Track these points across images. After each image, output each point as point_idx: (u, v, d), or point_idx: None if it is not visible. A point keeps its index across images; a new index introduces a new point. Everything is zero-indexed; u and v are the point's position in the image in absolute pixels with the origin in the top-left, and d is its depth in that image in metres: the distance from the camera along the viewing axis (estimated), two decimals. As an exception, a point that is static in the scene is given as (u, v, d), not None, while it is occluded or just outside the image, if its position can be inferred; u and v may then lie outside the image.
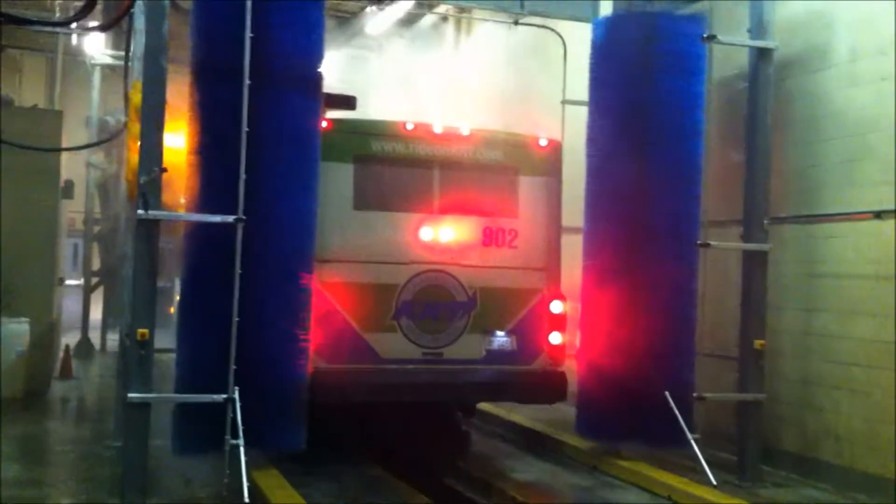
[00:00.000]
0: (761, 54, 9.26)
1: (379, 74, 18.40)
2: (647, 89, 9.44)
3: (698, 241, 9.20)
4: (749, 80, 9.39)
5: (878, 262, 8.51)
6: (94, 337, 18.40)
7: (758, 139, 9.22)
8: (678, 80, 9.44)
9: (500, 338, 9.47)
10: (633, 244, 9.42)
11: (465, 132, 9.56)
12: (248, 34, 7.65)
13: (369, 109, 9.13)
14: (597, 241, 9.80)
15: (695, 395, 9.09)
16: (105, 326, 19.22)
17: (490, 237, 9.53)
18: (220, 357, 7.58)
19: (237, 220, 7.58)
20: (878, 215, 8.31)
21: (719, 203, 9.60)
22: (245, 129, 7.60)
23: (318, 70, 8.30)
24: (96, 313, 18.99)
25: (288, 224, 8.00)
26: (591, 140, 9.94)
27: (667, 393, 9.16)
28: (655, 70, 9.44)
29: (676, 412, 8.93)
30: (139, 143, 7.53)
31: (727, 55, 9.83)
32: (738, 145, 9.67)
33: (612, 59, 9.80)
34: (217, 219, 7.62)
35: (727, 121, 10.18)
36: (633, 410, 9.18)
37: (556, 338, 9.47)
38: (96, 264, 19.84)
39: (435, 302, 9.21)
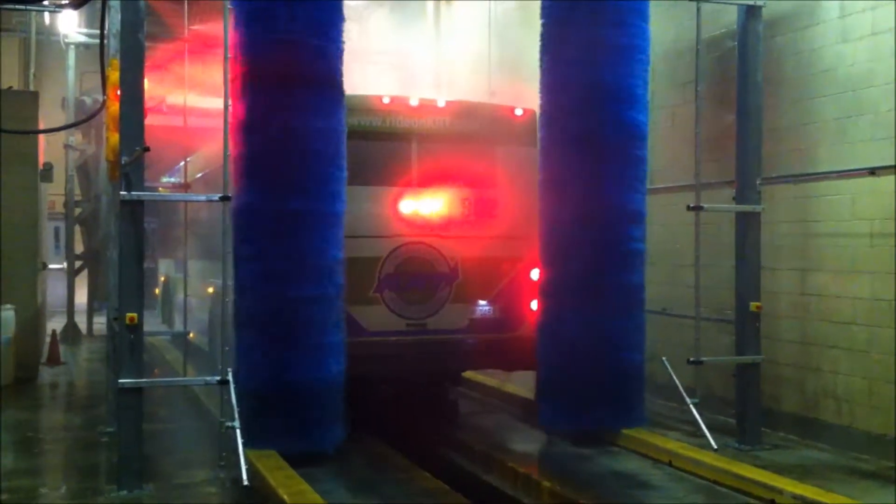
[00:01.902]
0: (749, 11, 9.12)
1: (360, 46, 18.13)
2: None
3: (690, 205, 9.11)
4: (738, 39, 9.25)
5: (875, 220, 8.44)
6: (80, 321, 18.21)
7: (749, 98, 9.10)
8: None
9: (483, 307, 9.65)
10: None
11: (442, 104, 9.67)
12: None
13: (355, 81, 9.01)
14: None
15: (691, 358, 9.04)
16: (91, 310, 19.05)
17: (469, 208, 9.69)
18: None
19: (223, 198, 7.53)
20: (873, 172, 8.23)
21: (711, 165, 9.51)
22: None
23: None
24: (81, 297, 18.79)
25: None
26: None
27: (664, 359, 9.19)
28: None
29: (676, 380, 8.89)
30: (119, 122, 7.34)
31: (716, 14, 9.70)
32: (728, 106, 9.56)
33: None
34: (203, 198, 7.50)
35: (717, 81, 10.07)
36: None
37: (537, 305, 9.42)
38: (79, 247, 19.61)
39: (417, 273, 9.36)
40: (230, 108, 7.75)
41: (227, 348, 7.79)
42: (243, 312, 8.11)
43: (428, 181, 9.46)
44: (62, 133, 16.80)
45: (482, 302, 9.67)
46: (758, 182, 9.05)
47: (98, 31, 9.01)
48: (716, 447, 8.33)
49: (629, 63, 9.00)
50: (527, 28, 13.15)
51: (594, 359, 8.95)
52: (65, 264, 18.29)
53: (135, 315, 7.24)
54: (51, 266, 16.87)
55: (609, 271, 9.03)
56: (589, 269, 8.98)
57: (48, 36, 18.56)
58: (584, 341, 8.94)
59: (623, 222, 9.11)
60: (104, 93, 8.22)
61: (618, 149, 9.03)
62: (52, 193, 18.68)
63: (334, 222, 8.27)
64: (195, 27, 11.17)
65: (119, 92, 7.41)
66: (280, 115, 8.01)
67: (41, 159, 14.34)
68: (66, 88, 17.30)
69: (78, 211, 18.94)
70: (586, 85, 8.95)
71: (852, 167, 8.57)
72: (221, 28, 7.66)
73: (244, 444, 7.29)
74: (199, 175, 12.64)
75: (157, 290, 17.55)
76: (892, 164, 8.03)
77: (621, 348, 9.08)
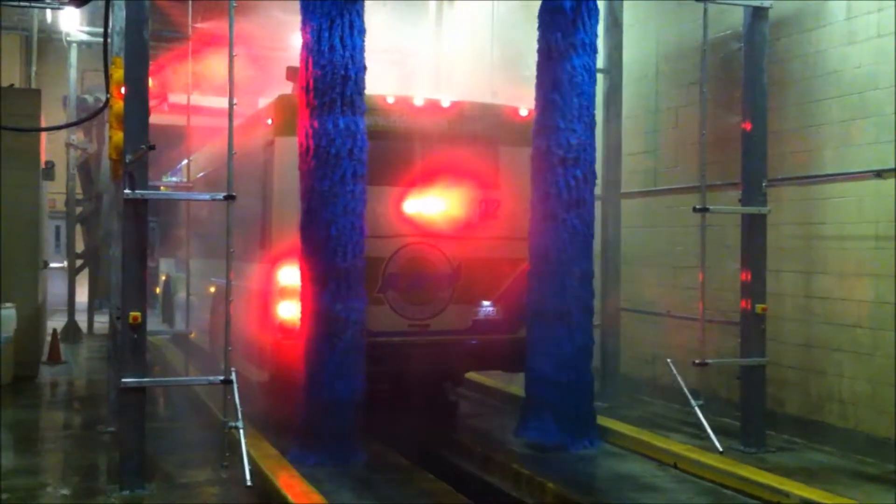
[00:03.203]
0: (756, 13, 9.07)
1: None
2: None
3: (696, 206, 9.07)
4: (744, 40, 9.21)
5: (880, 222, 8.41)
6: (81, 320, 18.17)
7: (754, 100, 9.06)
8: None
9: (486, 308, 9.63)
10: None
11: (446, 104, 9.60)
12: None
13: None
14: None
15: (696, 360, 9.00)
16: (91, 309, 19.01)
17: (473, 208, 9.65)
18: None
19: (227, 198, 7.50)
20: (879, 174, 8.22)
21: (714, 166, 9.48)
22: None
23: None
24: (82, 296, 18.75)
25: None
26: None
27: (669, 361, 9.17)
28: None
29: (681, 382, 8.87)
30: (124, 120, 7.31)
31: (721, 15, 9.68)
32: (732, 107, 9.53)
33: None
34: (207, 197, 7.45)
35: (721, 83, 10.04)
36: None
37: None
38: (80, 246, 19.56)
39: (420, 274, 9.26)
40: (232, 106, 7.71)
41: (230, 348, 7.75)
42: None
43: (432, 181, 9.42)
44: (64, 131, 16.79)
45: (485, 303, 9.64)
46: (763, 184, 9.01)
47: (101, 30, 8.99)
48: (721, 450, 8.29)
49: None
50: (529, 27, 13.14)
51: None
52: (65, 263, 18.26)
53: (138, 314, 7.20)
54: (52, 265, 16.82)
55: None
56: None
57: (50, 34, 18.51)
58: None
59: None
60: (108, 91, 8.18)
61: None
62: (53, 192, 18.65)
63: None
64: (199, 25, 11.15)
65: (123, 90, 7.37)
66: None
67: (43, 157, 14.31)
68: (67, 87, 17.25)
69: (79, 209, 18.91)
70: None
71: (857, 170, 8.55)
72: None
73: None
74: (201, 175, 12.61)
75: (157, 289, 17.52)
76: (894, 166, 8.00)
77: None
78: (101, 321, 17.67)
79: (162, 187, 13.92)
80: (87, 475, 7.91)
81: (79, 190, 19.00)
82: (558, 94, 8.99)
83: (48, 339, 14.86)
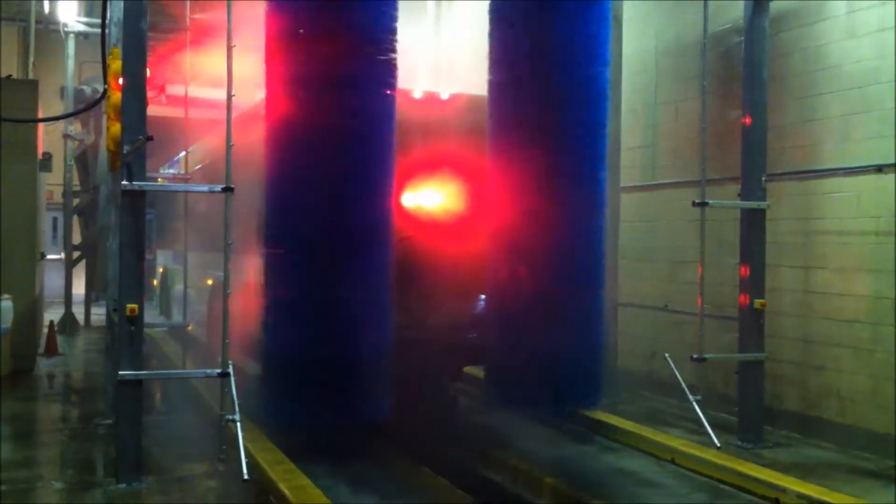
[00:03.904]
0: (756, 7, 9.04)
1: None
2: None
3: (695, 201, 9.04)
4: (745, 34, 9.18)
5: (880, 217, 8.40)
6: (78, 312, 18.14)
7: (754, 94, 9.04)
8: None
9: (485, 302, 9.42)
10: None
11: (445, 97, 9.51)
12: None
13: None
14: None
15: (695, 355, 8.98)
16: (89, 301, 18.96)
17: (472, 201, 9.43)
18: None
19: (225, 190, 7.45)
20: (881, 169, 8.20)
21: (713, 161, 9.44)
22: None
23: None
24: (79, 288, 18.71)
25: None
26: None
27: (667, 356, 9.14)
28: None
29: (679, 377, 8.84)
30: (121, 111, 7.27)
31: (721, 9, 9.65)
32: (732, 102, 9.50)
33: None
34: (205, 188, 7.42)
35: (721, 77, 10.01)
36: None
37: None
38: (77, 238, 19.51)
39: (419, 268, 9.17)
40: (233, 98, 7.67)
41: (227, 341, 7.72)
42: None
43: (431, 175, 9.36)
44: (61, 123, 16.72)
45: (484, 297, 9.59)
46: (763, 178, 8.99)
47: (99, 21, 8.94)
48: (718, 445, 8.26)
49: None
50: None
51: None
52: (63, 255, 18.22)
53: (135, 306, 7.17)
54: (49, 256, 16.78)
55: None
56: None
57: (47, 25, 18.45)
58: None
59: None
60: (105, 82, 8.13)
61: None
62: (51, 183, 18.57)
63: None
64: (197, 16, 11.09)
65: (121, 81, 7.33)
66: None
67: (40, 149, 14.25)
68: (65, 78, 17.19)
69: (76, 201, 18.86)
70: None
71: (858, 164, 8.53)
72: None
73: None
74: (198, 167, 12.57)
75: (155, 282, 17.48)
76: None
77: None
78: (98, 313, 17.64)
79: (160, 179, 13.88)
80: (83, 468, 7.88)
81: (76, 181, 18.93)
82: None
83: (45, 331, 14.83)
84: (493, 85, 8.33)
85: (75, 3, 16.86)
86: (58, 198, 19.51)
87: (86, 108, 13.17)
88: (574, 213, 8.21)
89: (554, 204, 8.12)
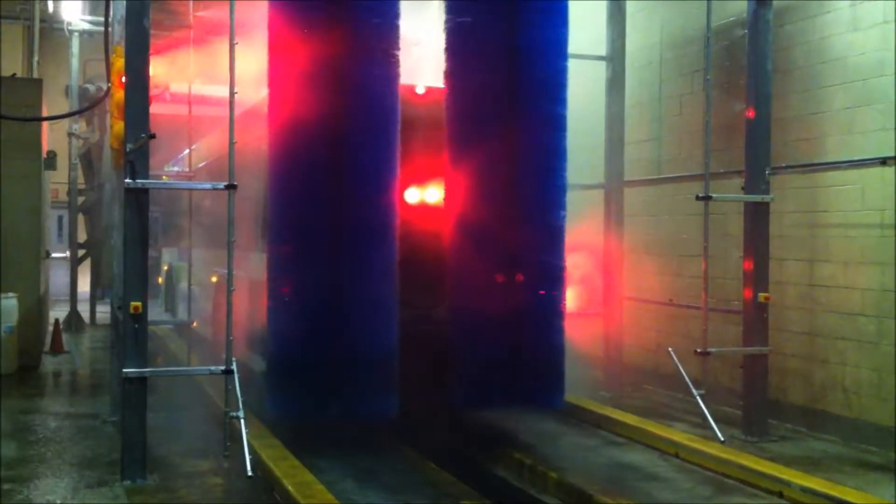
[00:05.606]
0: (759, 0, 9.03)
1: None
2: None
3: (699, 195, 9.03)
4: (748, 27, 9.17)
5: (885, 210, 8.38)
6: (83, 309, 18.18)
7: (758, 87, 9.02)
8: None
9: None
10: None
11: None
12: None
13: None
14: None
15: (699, 349, 8.98)
16: (94, 299, 19.00)
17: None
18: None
19: (228, 187, 7.43)
20: (885, 162, 8.16)
21: (717, 154, 9.44)
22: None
23: None
24: (84, 286, 18.75)
25: None
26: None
27: (671, 350, 9.14)
28: None
29: (682, 371, 8.84)
30: (125, 109, 7.28)
31: (725, 2, 9.63)
32: (736, 95, 9.49)
33: None
34: (208, 186, 7.42)
35: (725, 70, 9.99)
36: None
37: None
38: (82, 236, 19.55)
39: (420, 262, 9.15)
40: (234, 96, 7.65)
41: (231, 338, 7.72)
42: None
43: (434, 169, 9.32)
44: (65, 121, 16.74)
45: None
46: (767, 172, 8.97)
47: (102, 19, 8.96)
48: (722, 439, 8.27)
49: None
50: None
51: None
52: (68, 253, 18.25)
53: (139, 304, 7.18)
54: (54, 255, 16.82)
55: None
56: None
57: (52, 24, 18.47)
58: None
59: None
60: (109, 80, 8.15)
61: None
62: (56, 182, 18.61)
63: None
64: (200, 14, 11.09)
65: (124, 79, 7.34)
66: None
67: (45, 147, 14.28)
68: (69, 76, 17.22)
69: (81, 199, 18.88)
70: None
71: (862, 157, 8.50)
72: None
73: None
74: (202, 164, 12.58)
75: (160, 279, 17.51)
76: (901, 154, 7.97)
77: None
78: (104, 311, 17.66)
79: (164, 177, 13.89)
80: (89, 465, 7.90)
81: (81, 180, 18.98)
82: None
83: (50, 328, 14.87)
84: (449, 75, 8.41)
85: (79, 2, 16.87)
86: (63, 196, 19.53)
87: (89, 106, 13.22)
88: (532, 208, 8.26)
89: (511, 198, 8.23)
